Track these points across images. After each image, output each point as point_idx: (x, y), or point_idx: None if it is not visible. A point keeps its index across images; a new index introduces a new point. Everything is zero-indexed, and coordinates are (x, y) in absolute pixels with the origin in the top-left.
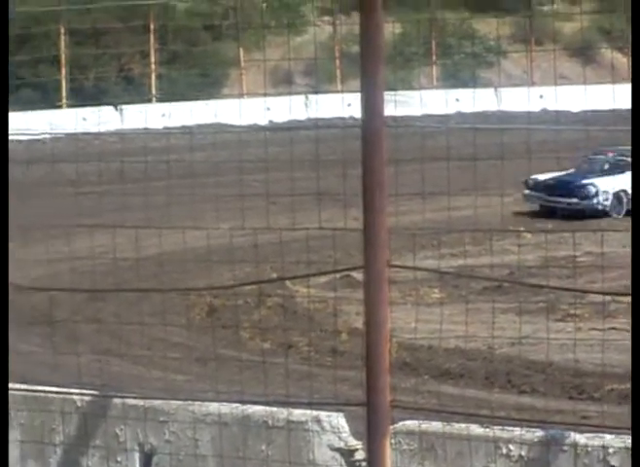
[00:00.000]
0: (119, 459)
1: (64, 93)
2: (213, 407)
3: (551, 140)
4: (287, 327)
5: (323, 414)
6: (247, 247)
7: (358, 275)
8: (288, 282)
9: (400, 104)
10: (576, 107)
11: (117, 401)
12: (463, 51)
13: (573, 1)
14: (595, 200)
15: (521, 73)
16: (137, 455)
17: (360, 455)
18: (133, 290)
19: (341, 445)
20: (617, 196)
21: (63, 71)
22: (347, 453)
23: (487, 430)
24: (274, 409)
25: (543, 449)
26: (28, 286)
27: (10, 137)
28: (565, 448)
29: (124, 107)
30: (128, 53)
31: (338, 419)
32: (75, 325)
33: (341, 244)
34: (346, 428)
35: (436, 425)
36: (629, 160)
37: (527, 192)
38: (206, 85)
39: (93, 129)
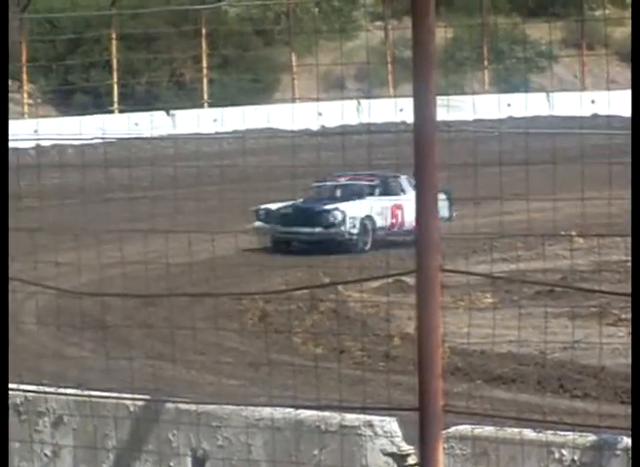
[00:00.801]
0: (171, 464)
1: (116, 98)
2: (266, 411)
3: (602, 145)
4: (339, 332)
5: (376, 419)
6: (299, 251)
7: (410, 280)
8: (340, 287)
9: (452, 109)
10: (627, 112)
11: (170, 406)
12: (514, 55)
13: (624, 6)
14: (343, 228)
15: (572, 78)
16: (190, 460)
17: (412, 460)
18: (186, 295)
19: (394, 449)
20: (363, 223)
21: (115, 76)
22: (400, 458)
23: (540, 435)
24: (327, 413)
25: (595, 453)
26: (80, 291)
27: (63, 142)
28: (618, 452)
29: (175, 112)
30: (180, 58)
31: (391, 424)
32: (127, 330)
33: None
34: (399, 433)
35: (489, 430)
36: (365, 184)
37: (258, 224)
38: (258, 90)
39: (145, 134)
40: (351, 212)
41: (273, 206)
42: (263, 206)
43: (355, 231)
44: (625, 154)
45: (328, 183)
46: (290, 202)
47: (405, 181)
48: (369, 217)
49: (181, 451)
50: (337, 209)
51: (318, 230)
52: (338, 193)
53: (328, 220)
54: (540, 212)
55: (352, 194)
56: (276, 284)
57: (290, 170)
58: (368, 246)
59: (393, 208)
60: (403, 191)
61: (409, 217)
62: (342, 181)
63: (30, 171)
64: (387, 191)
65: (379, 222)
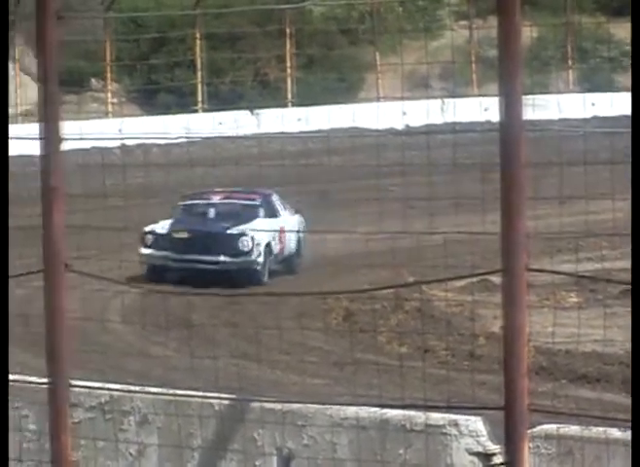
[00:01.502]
0: (257, 463)
1: (200, 98)
2: (351, 411)
3: None
4: (424, 331)
5: (461, 418)
6: (384, 251)
7: (495, 279)
8: (425, 286)
9: (537, 108)
10: None
11: (255, 405)
12: (599, 55)
13: None
14: (253, 257)
15: None
16: (275, 459)
17: (498, 459)
18: (270, 294)
19: (479, 449)
20: (265, 251)
21: (199, 75)
22: (485, 458)
23: (625, 434)
24: (412, 412)
25: None
26: (165, 290)
27: (147, 141)
28: None
29: (260, 111)
30: (264, 58)
31: (476, 423)
32: (212, 329)
33: (479, 248)
34: (484, 432)
35: (574, 429)
36: (246, 203)
37: (146, 251)
38: (342, 89)
39: (230, 133)
40: (257, 237)
41: (160, 228)
42: (148, 228)
43: (261, 259)
44: None
45: (200, 201)
46: (179, 224)
47: (277, 201)
48: (268, 243)
49: (266, 450)
50: (244, 234)
51: (224, 258)
52: (212, 213)
53: (237, 247)
54: (625, 211)
55: (236, 215)
56: (360, 283)
57: (375, 170)
58: (266, 277)
59: (280, 232)
60: (277, 211)
61: (290, 242)
62: (216, 199)
63: (116, 170)
64: (270, 211)
65: (275, 248)
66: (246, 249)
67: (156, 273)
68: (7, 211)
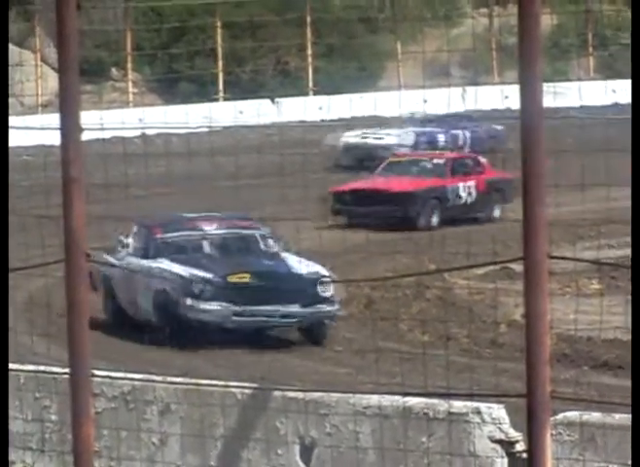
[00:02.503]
0: (279, 452)
1: (221, 87)
2: (374, 399)
3: None
4: (446, 319)
5: (483, 406)
6: (405, 239)
7: (517, 267)
8: (446, 274)
9: (558, 96)
10: None
11: (277, 394)
12: (619, 42)
13: None
14: (333, 306)
15: None
16: (298, 448)
17: (520, 447)
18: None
19: (502, 436)
20: None
21: (220, 64)
22: (508, 445)
23: None
24: (435, 400)
25: None
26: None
27: (168, 130)
28: None
29: (280, 100)
30: (285, 47)
31: (499, 411)
32: None
33: (500, 236)
34: (506, 419)
35: (596, 416)
36: (250, 233)
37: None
38: (363, 77)
39: (250, 122)
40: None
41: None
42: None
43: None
44: None
45: (193, 232)
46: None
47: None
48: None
49: (289, 439)
50: (322, 275)
51: (297, 309)
52: (213, 250)
53: (314, 292)
54: None
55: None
56: (382, 271)
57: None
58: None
59: None
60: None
61: None
62: (211, 230)
63: (137, 160)
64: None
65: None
66: (326, 295)
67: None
68: (7, 210)
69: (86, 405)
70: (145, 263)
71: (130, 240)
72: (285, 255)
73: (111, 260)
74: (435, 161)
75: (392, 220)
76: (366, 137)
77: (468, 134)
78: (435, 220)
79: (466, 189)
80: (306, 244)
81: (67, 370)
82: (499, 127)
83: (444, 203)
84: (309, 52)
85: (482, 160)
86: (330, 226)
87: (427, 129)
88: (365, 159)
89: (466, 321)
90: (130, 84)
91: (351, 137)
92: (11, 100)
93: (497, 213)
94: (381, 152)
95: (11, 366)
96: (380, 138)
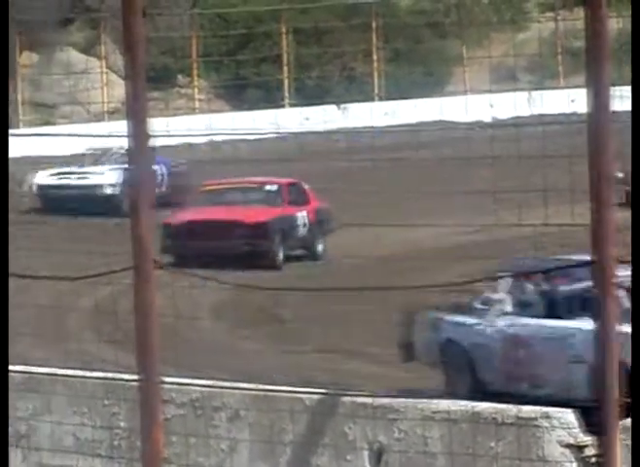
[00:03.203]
0: (348, 458)
1: (287, 93)
2: (442, 404)
3: None
4: None
5: (552, 411)
6: (474, 244)
7: None
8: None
9: (625, 99)
10: None
11: (346, 399)
12: None
13: None
14: None
15: None
16: (367, 454)
17: (590, 451)
18: (358, 288)
19: (571, 441)
20: None
21: (286, 70)
22: (577, 450)
23: None
24: (503, 405)
25: None
26: (256, 286)
27: (236, 137)
28: None
29: (347, 106)
30: (351, 52)
31: (568, 415)
32: (302, 324)
33: (568, 240)
34: (576, 424)
35: None
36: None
37: None
38: (429, 82)
39: (317, 128)
40: None
41: None
42: None
43: None
44: None
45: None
46: None
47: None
48: None
49: (358, 445)
50: None
51: None
52: None
53: None
54: None
55: None
56: (450, 276)
57: (463, 163)
58: None
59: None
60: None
61: None
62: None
63: (204, 166)
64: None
65: None
66: None
67: None
68: (7, 211)
69: (155, 411)
70: (554, 324)
71: (502, 295)
72: None
73: (470, 322)
74: (267, 187)
75: (242, 257)
76: (66, 178)
77: (165, 170)
78: (281, 255)
79: (302, 219)
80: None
81: (136, 376)
82: (182, 162)
83: (290, 235)
84: (375, 57)
85: (306, 186)
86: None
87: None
88: (67, 201)
89: None
90: (197, 90)
91: (46, 178)
92: (77, 108)
93: (321, 248)
94: (91, 191)
95: (79, 373)
96: (84, 177)
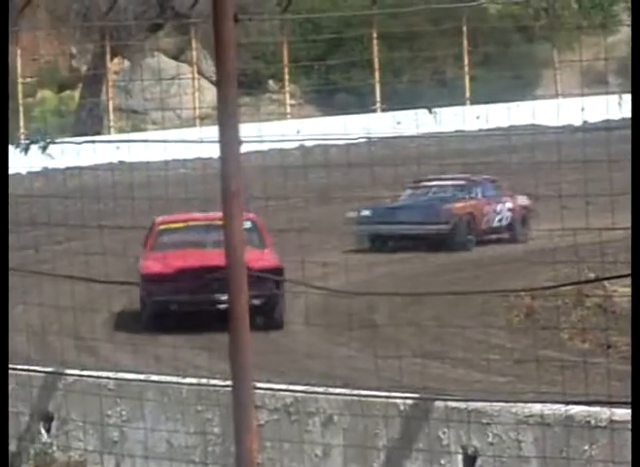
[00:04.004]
0: (442, 462)
1: (378, 97)
2: (536, 408)
3: None
4: (606, 327)
5: None
6: (565, 248)
7: None
8: (606, 282)
9: None
10: None
11: (439, 404)
12: None
13: None
14: None
15: None
16: (460, 458)
17: None
18: (451, 293)
19: None
20: None
21: (377, 75)
22: None
23: None
24: (597, 409)
25: None
26: (347, 291)
27: (327, 142)
28: None
29: (438, 110)
30: (441, 57)
31: None
32: (395, 328)
33: None
34: None
35: None
36: None
37: None
38: (519, 86)
39: (408, 133)
40: None
41: None
42: None
43: None
44: None
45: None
46: None
47: None
48: None
49: (452, 449)
50: None
51: None
52: None
53: None
54: None
55: None
56: (542, 280)
57: (554, 167)
58: None
59: None
60: None
61: None
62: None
63: (295, 171)
64: None
65: None
66: None
67: None
68: (7, 211)
69: (248, 417)
70: None
71: None
72: None
73: None
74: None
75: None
76: None
77: None
78: None
79: None
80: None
81: (229, 382)
82: None
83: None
84: (466, 61)
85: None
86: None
87: None
88: None
89: (626, 329)
90: (288, 95)
91: None
92: (168, 113)
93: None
94: None
95: (172, 379)
96: None
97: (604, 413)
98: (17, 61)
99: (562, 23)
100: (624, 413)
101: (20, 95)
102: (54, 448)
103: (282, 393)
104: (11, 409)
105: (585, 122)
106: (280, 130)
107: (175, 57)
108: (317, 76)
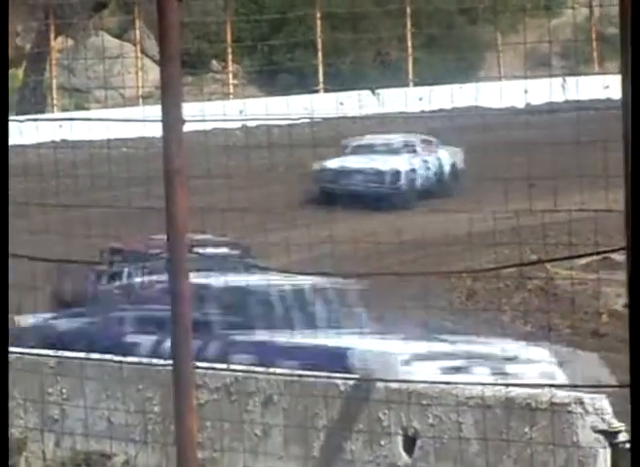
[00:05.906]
0: (382, 443)
1: (321, 78)
2: (476, 390)
3: None
4: (548, 309)
5: (586, 396)
6: (507, 230)
7: (618, 257)
8: (548, 265)
9: None
10: None
11: (380, 385)
12: None
13: None
14: None
15: None
16: (400, 439)
17: (623, 437)
18: (394, 274)
19: (605, 426)
20: None
21: (320, 55)
22: (610, 435)
23: None
24: (537, 391)
25: None
26: (289, 270)
27: (269, 122)
28: None
29: (381, 91)
30: (385, 38)
31: (602, 401)
32: None
33: (602, 226)
34: (609, 410)
35: None
36: None
37: None
38: (463, 68)
39: (351, 114)
40: None
41: None
42: None
43: None
44: None
45: None
46: None
47: None
48: None
49: (392, 430)
50: None
51: None
52: None
53: None
54: None
55: None
56: (483, 262)
57: (497, 148)
58: None
59: None
60: None
61: None
62: None
63: (237, 152)
64: None
65: None
66: None
67: None
68: (7, 210)
69: (188, 396)
70: None
71: None
72: None
73: None
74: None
75: None
76: None
77: None
78: None
79: None
80: (410, 235)
81: (170, 362)
82: None
83: None
84: (409, 42)
85: None
86: None
87: None
88: None
89: (567, 311)
90: (231, 75)
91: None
92: (111, 92)
93: None
94: None
95: (111, 358)
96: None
97: (544, 395)
98: None
99: (506, 5)
100: (565, 396)
101: None
102: None
103: (222, 372)
104: None
105: (527, 104)
106: (223, 110)
107: (119, 36)
108: (260, 56)
